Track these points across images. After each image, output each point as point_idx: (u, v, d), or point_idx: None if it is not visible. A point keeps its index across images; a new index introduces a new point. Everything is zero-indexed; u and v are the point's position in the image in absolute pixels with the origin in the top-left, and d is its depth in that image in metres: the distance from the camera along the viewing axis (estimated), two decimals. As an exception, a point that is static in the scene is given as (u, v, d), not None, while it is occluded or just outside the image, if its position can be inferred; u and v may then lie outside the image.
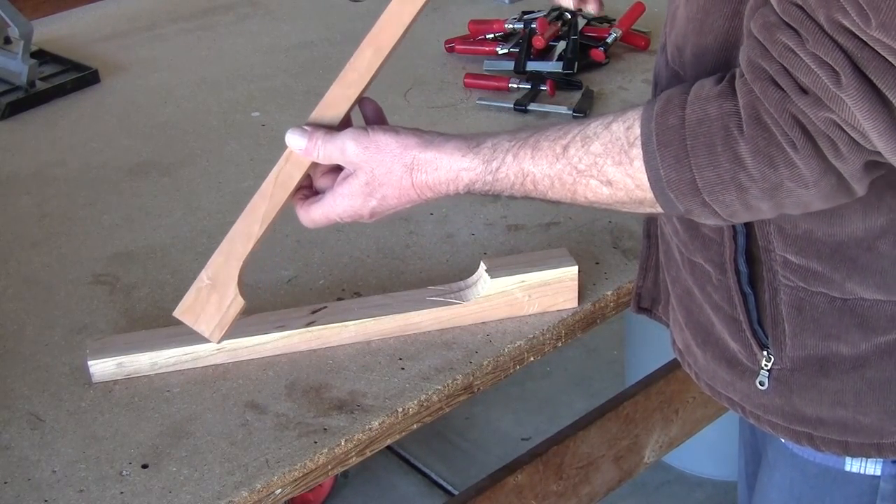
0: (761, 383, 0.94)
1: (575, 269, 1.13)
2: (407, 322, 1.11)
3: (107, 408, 1.04)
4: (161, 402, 1.04)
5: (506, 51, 1.69)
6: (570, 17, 1.73)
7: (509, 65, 1.67)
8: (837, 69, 0.71)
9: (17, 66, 1.69)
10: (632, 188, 0.83)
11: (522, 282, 1.12)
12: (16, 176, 1.49)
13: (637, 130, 0.82)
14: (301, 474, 0.97)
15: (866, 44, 0.70)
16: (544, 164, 0.86)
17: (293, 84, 1.72)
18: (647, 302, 1.13)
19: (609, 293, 1.17)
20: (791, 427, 0.95)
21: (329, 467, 0.99)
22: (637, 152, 0.81)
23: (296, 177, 0.97)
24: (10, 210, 1.41)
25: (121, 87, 1.74)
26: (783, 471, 1.02)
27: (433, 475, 2.44)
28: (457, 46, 1.76)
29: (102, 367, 1.06)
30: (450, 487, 2.41)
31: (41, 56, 1.77)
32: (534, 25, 1.69)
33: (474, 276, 1.14)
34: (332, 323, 1.10)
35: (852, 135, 0.73)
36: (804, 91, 0.74)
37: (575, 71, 1.63)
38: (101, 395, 1.06)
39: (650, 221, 1.09)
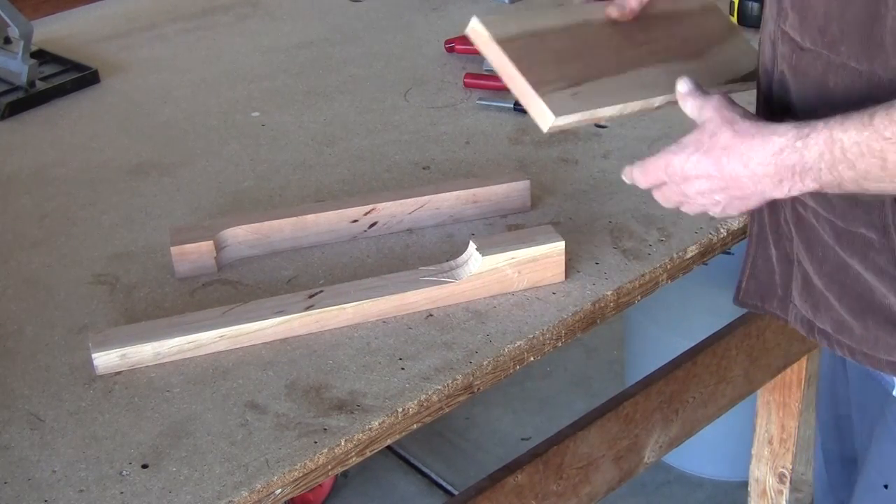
0: None
1: (562, 244, 1.16)
2: (403, 302, 1.12)
3: (107, 408, 1.04)
4: (161, 402, 1.04)
5: (506, 51, 1.69)
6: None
7: (509, 65, 1.66)
8: None
9: (17, 66, 1.69)
10: None
11: (512, 258, 1.14)
12: (16, 176, 1.49)
13: None
14: (301, 474, 0.96)
15: None
16: (853, 131, 0.86)
17: (293, 84, 1.72)
18: (755, 298, 1.15)
19: (609, 293, 1.17)
20: None
21: (329, 467, 0.99)
22: None
23: None
24: (10, 210, 1.41)
25: (121, 87, 1.74)
26: None
27: (433, 475, 2.44)
28: (457, 46, 1.76)
29: (106, 359, 1.07)
30: (450, 487, 2.41)
31: (41, 56, 1.78)
32: (534, 25, 1.69)
33: (465, 254, 1.16)
34: (331, 306, 1.11)
35: None
36: None
37: (575, 71, 1.63)
38: (101, 395, 1.06)
39: (759, 223, 1.11)
